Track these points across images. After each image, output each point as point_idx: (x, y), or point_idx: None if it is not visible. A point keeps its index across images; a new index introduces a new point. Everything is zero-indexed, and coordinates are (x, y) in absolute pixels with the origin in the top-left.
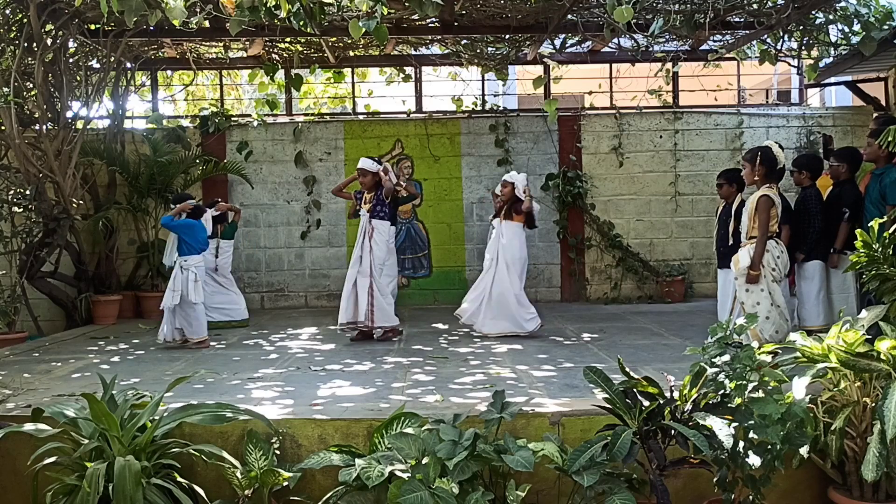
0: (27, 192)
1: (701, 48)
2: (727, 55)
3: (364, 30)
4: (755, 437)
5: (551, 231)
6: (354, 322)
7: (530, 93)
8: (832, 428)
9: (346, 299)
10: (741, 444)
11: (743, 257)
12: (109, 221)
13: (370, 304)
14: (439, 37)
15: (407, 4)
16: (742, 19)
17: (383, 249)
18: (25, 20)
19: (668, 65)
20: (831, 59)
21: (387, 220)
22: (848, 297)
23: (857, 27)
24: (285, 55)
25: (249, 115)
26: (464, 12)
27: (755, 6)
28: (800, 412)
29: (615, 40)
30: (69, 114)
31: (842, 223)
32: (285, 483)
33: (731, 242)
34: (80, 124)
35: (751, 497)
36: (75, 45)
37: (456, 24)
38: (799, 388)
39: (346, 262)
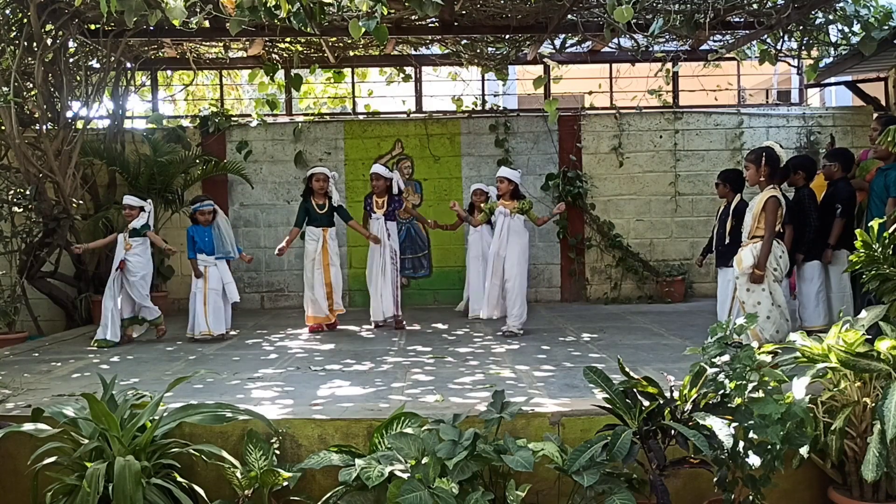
0: (27, 192)
1: (701, 48)
2: (727, 55)
3: (364, 30)
4: (755, 437)
5: (551, 231)
6: (392, 317)
7: (530, 93)
8: (832, 428)
9: (376, 299)
10: (741, 444)
11: (746, 257)
12: (109, 221)
13: (397, 297)
14: (439, 37)
15: (407, 4)
16: (742, 19)
17: (397, 245)
18: (25, 20)
19: (668, 65)
20: (831, 59)
21: (394, 220)
22: (843, 295)
23: (856, 27)
24: (285, 55)
25: (249, 115)
26: (464, 12)
27: (755, 6)
28: (800, 412)
29: (615, 40)
30: (69, 114)
31: (835, 219)
32: (285, 483)
33: (727, 241)
34: (80, 124)
35: (751, 497)
36: (75, 45)
37: (456, 24)
38: (799, 388)
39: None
